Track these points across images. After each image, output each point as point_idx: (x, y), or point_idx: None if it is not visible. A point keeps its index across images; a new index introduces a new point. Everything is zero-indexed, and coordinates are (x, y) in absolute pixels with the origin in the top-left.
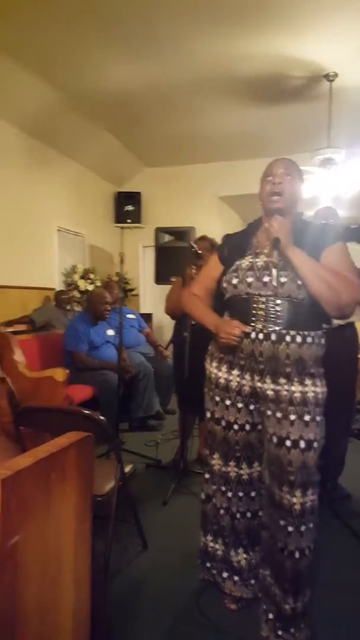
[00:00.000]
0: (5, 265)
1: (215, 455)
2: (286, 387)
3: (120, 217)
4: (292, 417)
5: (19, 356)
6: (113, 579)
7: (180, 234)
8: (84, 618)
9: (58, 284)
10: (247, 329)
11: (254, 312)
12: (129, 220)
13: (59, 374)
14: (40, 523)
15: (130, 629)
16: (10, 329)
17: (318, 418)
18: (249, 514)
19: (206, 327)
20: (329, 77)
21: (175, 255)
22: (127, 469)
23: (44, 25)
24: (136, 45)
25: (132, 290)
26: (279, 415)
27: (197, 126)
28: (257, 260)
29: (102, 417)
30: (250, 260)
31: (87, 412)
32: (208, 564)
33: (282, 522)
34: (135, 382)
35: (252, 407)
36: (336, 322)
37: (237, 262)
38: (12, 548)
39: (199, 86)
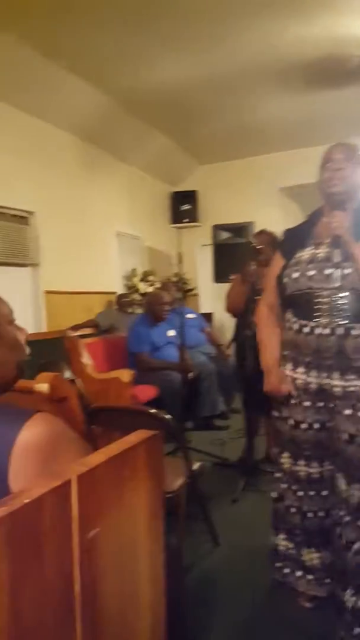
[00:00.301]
0: (71, 273)
1: (285, 454)
2: (355, 382)
3: (177, 217)
4: None
5: (86, 359)
6: (186, 574)
7: (238, 230)
8: (160, 612)
9: (119, 288)
10: (293, 392)
11: (317, 306)
12: (185, 220)
13: (125, 375)
14: (114, 518)
15: (204, 623)
16: (77, 333)
17: None
18: (320, 513)
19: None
20: None
21: (234, 252)
22: (195, 466)
23: (93, 30)
24: (187, 40)
25: (191, 290)
26: (348, 412)
27: (253, 117)
28: (318, 251)
29: (167, 416)
30: (311, 251)
31: (152, 411)
32: (279, 564)
33: (348, 518)
34: (198, 382)
35: (320, 404)
36: None
37: (298, 255)
38: (90, 541)
39: (253, 76)
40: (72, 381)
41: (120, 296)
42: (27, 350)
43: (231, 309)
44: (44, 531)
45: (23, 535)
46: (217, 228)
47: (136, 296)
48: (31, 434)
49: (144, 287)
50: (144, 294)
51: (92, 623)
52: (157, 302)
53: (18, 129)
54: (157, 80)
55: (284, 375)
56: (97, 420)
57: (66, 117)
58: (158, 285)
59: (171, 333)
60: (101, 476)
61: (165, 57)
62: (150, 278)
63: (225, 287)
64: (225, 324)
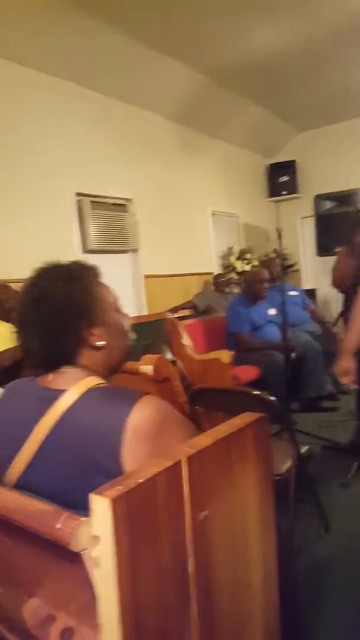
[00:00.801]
0: (168, 256)
1: None
2: None
3: (274, 190)
4: None
5: (186, 340)
6: (297, 558)
7: (343, 198)
8: (273, 596)
9: (216, 268)
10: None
11: None
12: (284, 192)
13: (225, 356)
14: (224, 501)
15: (316, 608)
16: (175, 315)
17: None
18: None
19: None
20: None
21: (340, 223)
22: (303, 450)
23: (183, 8)
24: (280, 7)
25: (291, 266)
26: None
27: (353, 77)
28: None
29: (272, 397)
30: None
31: (256, 392)
32: None
33: None
34: (302, 362)
35: None
36: None
37: None
38: (201, 523)
39: (351, 34)
40: (174, 362)
41: (217, 276)
42: (132, 335)
43: (338, 284)
44: (158, 511)
45: (139, 514)
46: (320, 198)
47: (233, 275)
48: (141, 415)
49: (241, 266)
50: (241, 273)
51: (206, 602)
52: (256, 280)
53: (114, 117)
54: (249, 51)
55: (351, 368)
56: (199, 401)
57: (159, 101)
58: (256, 262)
59: (272, 312)
60: (209, 458)
61: (256, 26)
62: (248, 256)
63: (330, 260)
64: (330, 300)
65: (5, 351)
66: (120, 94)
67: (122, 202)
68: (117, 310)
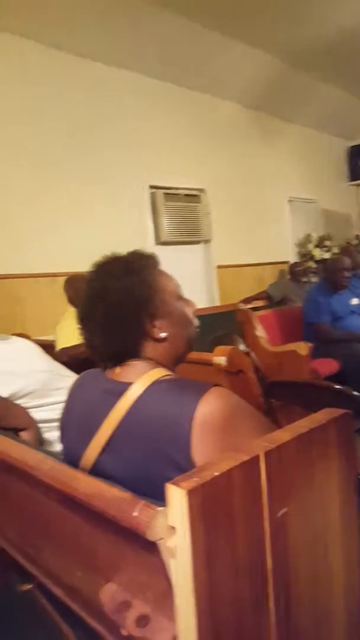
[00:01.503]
0: (241, 245)
1: None
2: None
3: (356, 172)
4: None
5: (260, 331)
6: None
7: None
8: (356, 596)
9: (291, 256)
10: None
11: None
12: None
13: (302, 347)
14: (304, 499)
15: None
16: (249, 306)
17: None
18: None
19: None
20: None
21: None
22: None
23: None
24: None
25: None
26: None
27: None
28: None
29: (355, 392)
30: None
31: (339, 387)
32: None
33: None
34: None
35: None
36: None
37: None
38: (280, 521)
39: None
40: (247, 354)
41: (293, 265)
42: (196, 322)
43: None
44: (234, 506)
45: (215, 507)
46: None
47: (311, 264)
48: (209, 407)
49: (319, 254)
50: (319, 261)
51: (284, 600)
52: (337, 268)
53: (186, 107)
54: (325, 30)
55: None
56: (274, 394)
57: (233, 87)
58: (336, 250)
59: (355, 301)
60: (289, 454)
61: (332, 3)
62: (327, 243)
63: None
64: None
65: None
66: (192, 83)
67: (194, 192)
68: (179, 298)
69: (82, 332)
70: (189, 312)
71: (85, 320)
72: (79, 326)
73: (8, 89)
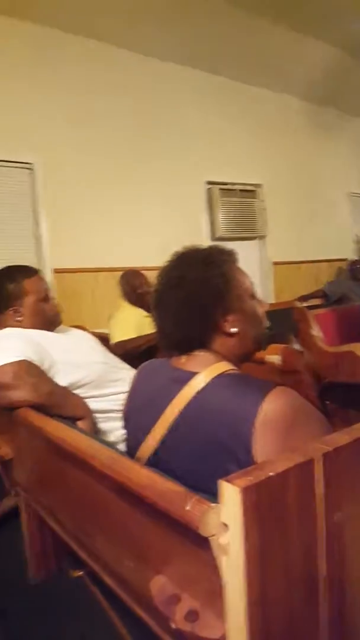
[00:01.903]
0: (298, 242)
1: None
2: None
3: None
4: None
5: (316, 331)
6: None
7: None
8: None
9: (351, 254)
10: None
11: None
12: None
13: None
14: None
15: None
16: (305, 304)
17: None
18: None
19: None
20: None
21: None
22: None
23: None
24: None
25: None
26: None
27: None
28: None
29: None
30: None
31: None
32: None
33: None
34: None
35: None
36: None
37: None
38: (336, 525)
39: None
40: (302, 353)
41: (353, 263)
42: (266, 323)
43: None
44: (289, 507)
45: (269, 507)
46: None
47: None
48: (273, 407)
49: None
50: None
51: (338, 607)
52: None
53: (244, 102)
54: None
55: None
56: (330, 396)
57: (292, 81)
58: None
59: None
60: (346, 458)
61: None
62: None
63: None
64: None
65: (141, 337)
66: (251, 78)
67: (251, 188)
68: (253, 296)
69: (154, 318)
70: (261, 311)
71: (158, 307)
72: (152, 314)
73: (74, 89)
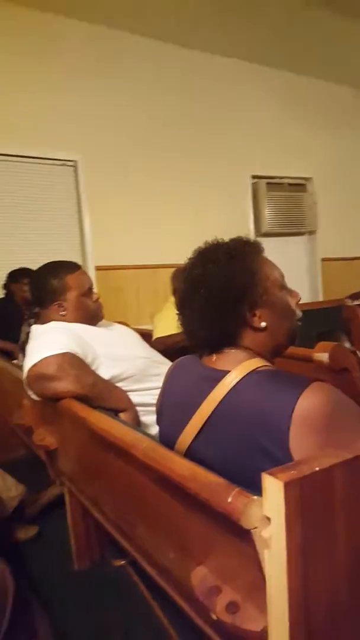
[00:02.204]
0: (349, 237)
1: None
2: None
3: None
4: None
5: None
6: None
7: None
8: None
9: None
10: None
11: None
12: None
13: None
14: None
15: None
16: (356, 302)
17: None
18: None
19: None
20: None
21: None
22: None
23: None
24: None
25: None
26: None
27: None
28: None
29: None
30: None
31: None
32: None
33: None
34: None
35: None
36: None
37: None
38: None
39: None
40: (354, 352)
41: None
42: (299, 314)
43: None
44: (335, 503)
45: (312, 503)
46: None
47: None
48: (310, 402)
49: None
50: None
51: None
52: None
53: (292, 93)
54: None
55: None
56: None
57: (347, 70)
58: None
59: None
60: None
61: None
62: None
63: None
64: None
65: (180, 333)
66: (299, 67)
67: (300, 181)
68: (283, 287)
69: (180, 318)
70: (292, 302)
71: (184, 307)
72: (177, 313)
73: (117, 87)
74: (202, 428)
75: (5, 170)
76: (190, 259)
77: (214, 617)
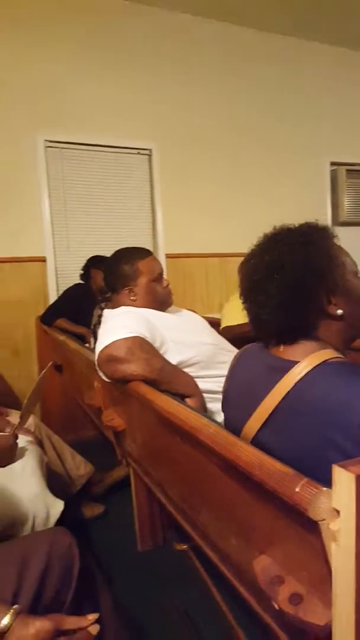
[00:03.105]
0: None
1: None
2: None
3: None
4: None
5: None
6: None
7: None
8: None
9: None
10: None
11: None
12: None
13: None
14: None
15: None
16: None
17: None
18: None
19: None
20: None
21: None
22: None
23: None
24: None
25: None
26: None
27: None
28: None
29: None
30: None
31: None
32: None
33: None
34: None
35: None
36: None
37: None
38: None
39: None
40: None
41: None
42: None
43: None
44: None
45: None
46: None
47: None
48: None
49: None
50: None
51: None
52: None
53: None
54: None
55: None
56: None
57: None
58: None
59: None
60: None
61: None
62: None
63: None
64: None
65: (247, 323)
66: None
67: None
68: (356, 275)
69: (247, 306)
70: None
71: (253, 294)
72: (242, 300)
73: (191, 73)
74: (268, 418)
75: (81, 159)
76: (258, 244)
77: (276, 606)
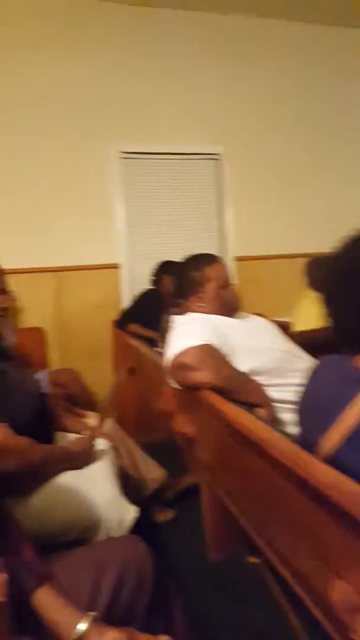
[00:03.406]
0: None
1: None
2: None
3: None
4: None
5: None
6: None
7: None
8: None
9: None
10: None
11: None
12: None
13: None
14: None
15: None
16: None
17: None
18: None
19: None
20: None
21: None
22: None
23: None
24: None
25: None
26: None
27: None
28: None
29: None
30: None
31: None
32: None
33: None
34: None
35: None
36: None
37: None
38: None
39: None
40: None
41: None
42: None
43: None
44: None
45: None
46: None
47: None
48: None
49: None
50: None
51: None
52: None
53: None
54: None
55: None
56: None
57: None
58: None
59: None
60: None
61: None
62: None
63: None
64: None
65: (322, 329)
66: None
67: None
68: None
69: (330, 312)
70: None
71: (336, 300)
72: (325, 306)
73: (261, 74)
74: (346, 435)
75: (151, 167)
76: (339, 248)
77: (353, 637)
